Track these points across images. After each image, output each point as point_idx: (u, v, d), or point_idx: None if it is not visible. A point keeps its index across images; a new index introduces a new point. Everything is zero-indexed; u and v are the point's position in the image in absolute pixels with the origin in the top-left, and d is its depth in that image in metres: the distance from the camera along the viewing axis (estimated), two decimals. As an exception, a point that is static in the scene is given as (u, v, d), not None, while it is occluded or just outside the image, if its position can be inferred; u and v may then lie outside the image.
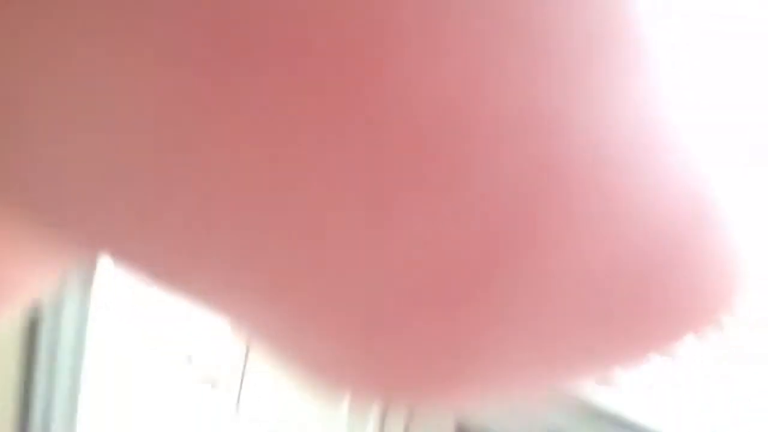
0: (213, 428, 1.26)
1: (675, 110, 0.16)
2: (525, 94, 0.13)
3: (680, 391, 0.92)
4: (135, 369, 1.30)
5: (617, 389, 0.93)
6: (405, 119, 0.12)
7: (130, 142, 0.13)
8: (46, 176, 0.13)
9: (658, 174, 0.15)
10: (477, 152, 0.13)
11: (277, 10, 0.11)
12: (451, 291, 0.14)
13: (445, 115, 0.13)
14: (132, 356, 1.30)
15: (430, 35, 0.12)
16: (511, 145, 0.13)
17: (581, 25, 0.13)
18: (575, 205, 0.14)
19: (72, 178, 0.13)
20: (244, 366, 1.24)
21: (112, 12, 0.11)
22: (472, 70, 0.12)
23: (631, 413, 0.93)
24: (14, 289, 0.21)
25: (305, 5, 0.11)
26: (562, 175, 0.14)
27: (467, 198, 0.13)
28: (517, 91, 0.13)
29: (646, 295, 0.16)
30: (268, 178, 0.13)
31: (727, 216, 0.17)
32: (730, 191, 0.17)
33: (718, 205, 0.17)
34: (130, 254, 0.15)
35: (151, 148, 0.13)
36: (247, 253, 0.14)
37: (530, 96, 0.13)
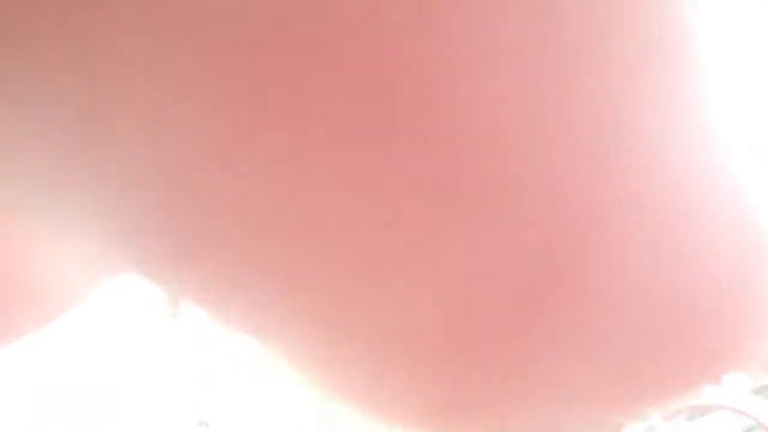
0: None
1: (731, 141, 0.15)
2: (581, 109, 0.13)
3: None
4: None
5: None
6: (451, 139, 0.12)
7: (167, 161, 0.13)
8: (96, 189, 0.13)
9: (717, 202, 0.15)
10: (525, 170, 0.13)
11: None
12: (496, 321, 0.14)
13: (492, 131, 0.12)
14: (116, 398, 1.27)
15: (479, 49, 0.12)
16: (562, 163, 0.13)
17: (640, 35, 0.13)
18: (631, 227, 0.14)
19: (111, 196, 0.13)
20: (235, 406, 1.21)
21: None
22: (524, 84, 0.12)
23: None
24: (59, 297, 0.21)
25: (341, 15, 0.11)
26: (618, 195, 0.13)
27: (512, 221, 0.13)
28: (573, 107, 0.13)
29: (701, 325, 0.15)
30: (310, 204, 0.13)
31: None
32: None
33: None
34: (170, 278, 0.15)
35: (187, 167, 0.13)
36: (287, 279, 0.14)
37: (585, 111, 0.13)
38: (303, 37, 0.11)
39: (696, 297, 0.15)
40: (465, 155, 0.13)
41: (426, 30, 0.12)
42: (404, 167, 0.12)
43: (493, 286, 0.14)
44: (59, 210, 0.15)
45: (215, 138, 0.12)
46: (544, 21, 0.12)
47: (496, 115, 0.12)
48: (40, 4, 0.12)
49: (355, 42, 0.12)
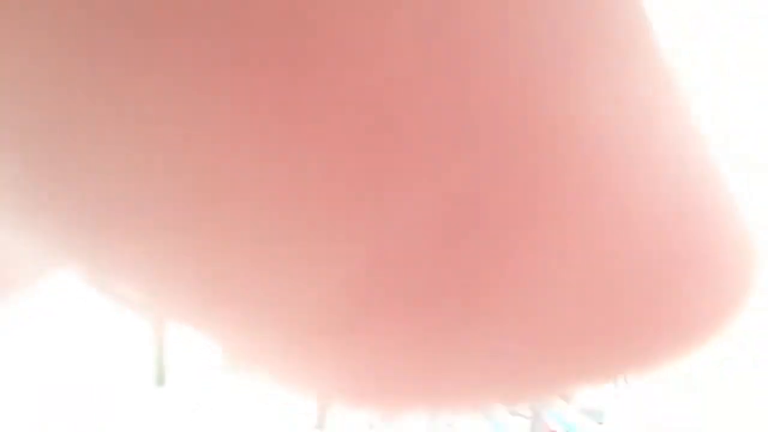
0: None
1: (680, 110, 0.15)
2: (523, 91, 0.12)
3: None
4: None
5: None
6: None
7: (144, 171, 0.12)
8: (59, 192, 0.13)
9: (661, 170, 0.14)
10: (467, 142, 0.12)
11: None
12: (427, 291, 0.13)
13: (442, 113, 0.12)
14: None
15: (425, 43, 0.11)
16: (502, 140, 0.12)
17: (580, 18, 0.12)
18: (572, 197, 0.13)
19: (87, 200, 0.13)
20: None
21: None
22: (470, 68, 0.12)
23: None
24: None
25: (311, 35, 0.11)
26: (557, 167, 0.13)
27: (446, 183, 0.12)
28: (515, 88, 0.12)
29: (651, 301, 0.15)
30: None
31: (739, 215, 0.16)
32: (736, 189, 0.16)
33: (728, 202, 0.16)
34: (137, 286, 0.14)
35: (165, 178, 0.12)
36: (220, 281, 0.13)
37: (525, 92, 0.12)
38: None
39: (643, 274, 0.15)
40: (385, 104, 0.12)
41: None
42: (316, 119, 0.12)
43: (417, 258, 0.13)
44: None
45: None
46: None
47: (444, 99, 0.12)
48: None
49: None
